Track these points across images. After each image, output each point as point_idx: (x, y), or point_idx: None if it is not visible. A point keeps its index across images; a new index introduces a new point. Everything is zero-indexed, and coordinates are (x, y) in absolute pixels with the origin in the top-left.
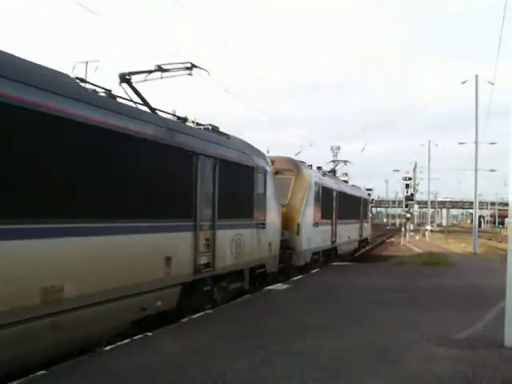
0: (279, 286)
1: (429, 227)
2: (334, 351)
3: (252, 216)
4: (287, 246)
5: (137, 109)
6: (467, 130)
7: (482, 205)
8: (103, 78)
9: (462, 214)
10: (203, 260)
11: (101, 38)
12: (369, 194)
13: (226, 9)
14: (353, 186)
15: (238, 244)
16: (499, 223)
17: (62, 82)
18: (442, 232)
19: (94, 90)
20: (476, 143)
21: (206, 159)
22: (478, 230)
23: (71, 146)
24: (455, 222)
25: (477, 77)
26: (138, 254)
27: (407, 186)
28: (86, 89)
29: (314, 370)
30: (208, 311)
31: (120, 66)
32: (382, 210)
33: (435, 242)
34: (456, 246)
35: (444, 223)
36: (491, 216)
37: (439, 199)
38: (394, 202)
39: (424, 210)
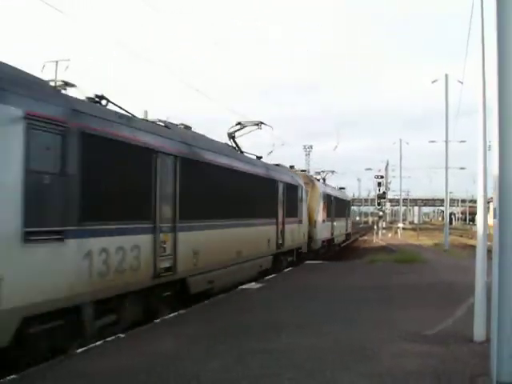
0: (253, 285)
1: (401, 225)
2: (309, 350)
3: (297, 216)
4: (308, 236)
5: (246, 157)
6: (438, 128)
7: (453, 202)
8: (74, 78)
9: (434, 211)
10: (281, 241)
11: (70, 38)
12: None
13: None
14: (340, 190)
15: (292, 233)
16: (470, 220)
17: (225, 148)
18: (414, 230)
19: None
20: (446, 142)
21: (284, 184)
22: (449, 227)
23: (223, 180)
24: (427, 220)
25: (446, 76)
26: (259, 237)
27: (379, 184)
28: (233, 148)
29: (289, 368)
30: (181, 311)
31: (90, 65)
32: (355, 208)
33: (407, 240)
34: (428, 243)
35: (416, 221)
36: (462, 213)
37: (411, 197)
38: (366, 200)
39: (396, 207)
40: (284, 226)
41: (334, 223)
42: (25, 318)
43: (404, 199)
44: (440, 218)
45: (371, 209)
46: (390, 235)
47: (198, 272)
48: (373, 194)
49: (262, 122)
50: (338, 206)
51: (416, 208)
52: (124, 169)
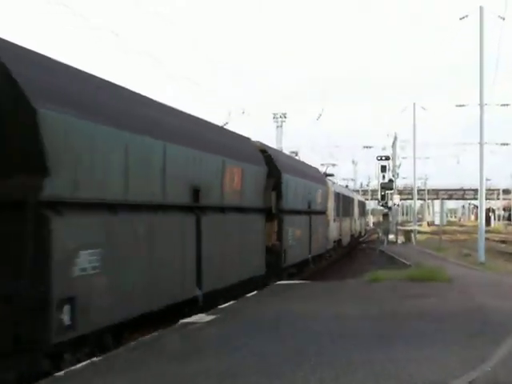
0: (200, 318)
1: (415, 227)
2: None
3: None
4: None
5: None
6: (468, 88)
7: (491, 193)
8: None
9: (463, 207)
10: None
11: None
12: (326, 175)
13: None
14: (347, 187)
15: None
16: None
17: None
18: (434, 233)
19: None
20: (481, 105)
21: (343, 196)
22: (486, 230)
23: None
24: (453, 219)
25: (481, 9)
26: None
27: (384, 168)
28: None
29: None
30: (95, 360)
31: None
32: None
33: (426, 248)
34: (455, 253)
35: (437, 221)
36: (505, 209)
37: (430, 187)
38: (365, 191)
39: (409, 202)
40: (341, 222)
41: (342, 223)
42: None
43: (420, 190)
44: (473, 217)
45: (372, 204)
46: (399, 241)
47: None
48: (374, 184)
49: (326, 174)
50: (344, 204)
51: (437, 202)
52: None
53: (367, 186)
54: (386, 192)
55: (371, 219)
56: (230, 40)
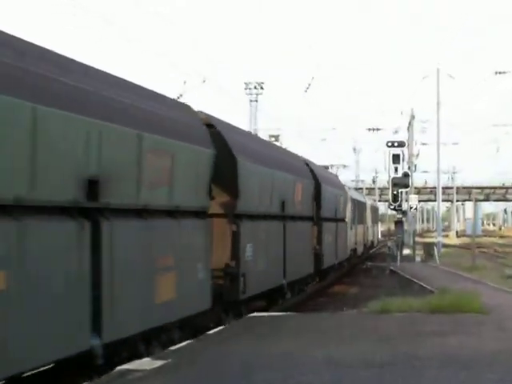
0: (144, 364)
1: (440, 238)
2: None
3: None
4: None
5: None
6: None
7: None
8: None
9: (505, 211)
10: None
11: None
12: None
13: None
14: (359, 192)
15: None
16: None
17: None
18: (465, 247)
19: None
20: None
21: (358, 203)
22: None
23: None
24: (492, 228)
25: None
26: None
27: (396, 158)
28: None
29: None
30: None
31: None
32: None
33: (453, 268)
34: (494, 275)
35: (469, 230)
36: None
37: (460, 184)
38: (370, 189)
39: (431, 204)
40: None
41: (357, 230)
42: None
43: (446, 188)
44: None
45: (381, 207)
46: (418, 258)
47: None
48: (382, 180)
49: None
50: (358, 209)
51: (469, 205)
52: None
53: (373, 182)
54: (400, 191)
55: (379, 228)
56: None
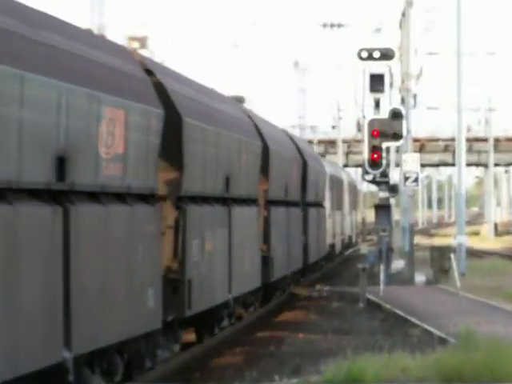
0: None
1: (462, 239)
2: None
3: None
4: None
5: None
6: None
7: None
8: None
9: None
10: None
11: None
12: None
13: None
14: (335, 164)
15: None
16: None
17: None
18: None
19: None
20: None
21: (336, 181)
22: None
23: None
24: None
25: None
26: None
27: (377, 82)
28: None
29: None
30: None
31: None
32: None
33: (488, 295)
34: None
35: None
36: None
37: (501, 133)
38: (328, 143)
39: (447, 171)
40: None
41: (335, 218)
42: None
43: (473, 140)
44: None
45: (355, 180)
46: (420, 278)
47: None
48: (349, 125)
49: None
50: (336, 190)
51: None
52: None
53: (333, 128)
54: (384, 146)
55: (359, 216)
56: None
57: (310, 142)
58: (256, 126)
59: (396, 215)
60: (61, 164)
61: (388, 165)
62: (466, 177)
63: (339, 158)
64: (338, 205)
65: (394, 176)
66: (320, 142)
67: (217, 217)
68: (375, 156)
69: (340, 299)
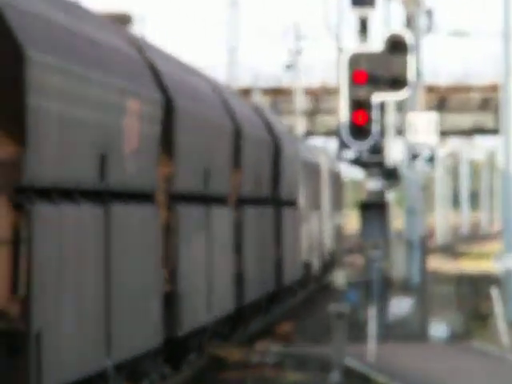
0: None
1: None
2: None
3: None
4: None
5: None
6: None
7: None
8: None
9: None
10: None
11: None
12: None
13: None
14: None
15: None
16: None
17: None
18: None
19: None
20: None
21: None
22: None
23: None
24: None
25: None
26: None
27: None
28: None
29: None
30: None
31: None
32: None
33: None
34: None
35: None
36: None
37: None
38: (279, 92)
39: (489, 146)
40: None
41: (311, 222)
42: None
43: None
44: None
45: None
46: (442, 327)
47: None
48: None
49: None
50: (311, 182)
51: None
52: None
53: (287, 68)
54: (373, 100)
55: (343, 219)
56: None
57: (247, 92)
58: (225, 102)
59: (397, 221)
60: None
61: (383, 134)
62: None
63: (298, 122)
64: (314, 203)
65: (394, 153)
66: (266, 92)
67: (134, 222)
68: (360, 118)
69: (300, 367)
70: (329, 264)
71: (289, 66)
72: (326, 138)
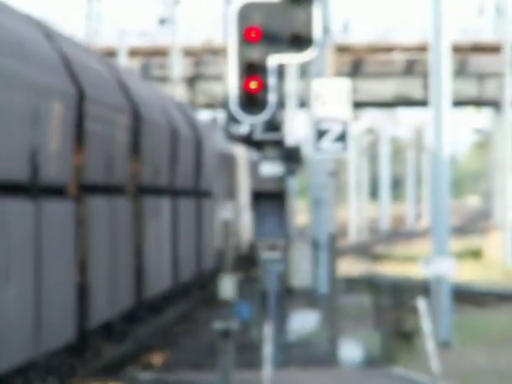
0: None
1: (447, 263)
2: None
3: None
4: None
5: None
6: None
7: None
8: None
9: None
10: None
11: None
12: None
13: None
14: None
15: None
16: None
17: None
18: None
19: None
20: None
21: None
22: None
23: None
24: None
25: None
26: None
27: None
28: None
29: None
30: None
31: None
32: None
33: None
34: None
35: None
36: None
37: None
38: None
39: (415, 122)
40: None
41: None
42: None
43: (467, 48)
44: None
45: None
46: (355, 354)
47: None
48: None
49: None
50: (225, 171)
51: None
52: None
53: (161, 24)
54: (268, 63)
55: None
56: None
57: (111, 53)
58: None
59: (300, 216)
60: None
61: (282, 105)
62: (454, 131)
63: (175, 90)
64: (228, 191)
65: (296, 129)
66: (134, 52)
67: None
68: (253, 86)
69: None
70: (214, 270)
71: (163, 21)
72: (210, 110)
